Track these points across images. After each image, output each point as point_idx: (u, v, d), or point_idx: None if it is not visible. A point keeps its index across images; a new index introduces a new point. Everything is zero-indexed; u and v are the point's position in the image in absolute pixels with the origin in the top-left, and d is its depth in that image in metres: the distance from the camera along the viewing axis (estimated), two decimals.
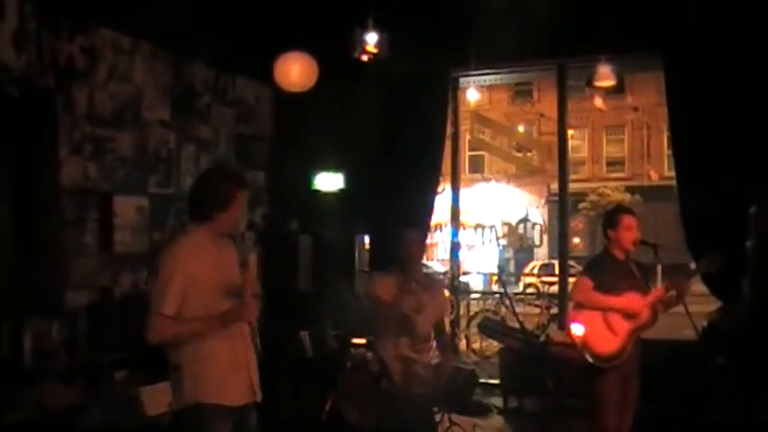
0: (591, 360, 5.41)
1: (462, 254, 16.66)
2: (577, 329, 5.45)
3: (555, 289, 11.66)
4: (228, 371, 4.00)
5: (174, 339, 3.94)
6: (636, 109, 35.23)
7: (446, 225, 12.62)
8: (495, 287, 24.41)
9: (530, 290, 20.98)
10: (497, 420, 8.40)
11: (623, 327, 5.42)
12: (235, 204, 4.06)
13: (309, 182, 9.16)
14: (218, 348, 3.95)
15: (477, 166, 36.25)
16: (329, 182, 9.27)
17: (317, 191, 9.24)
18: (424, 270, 5.67)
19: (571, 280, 8.92)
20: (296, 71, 7.49)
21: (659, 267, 6.18)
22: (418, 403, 5.39)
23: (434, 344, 5.81)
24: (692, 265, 6.06)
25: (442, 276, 13.34)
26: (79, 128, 6.53)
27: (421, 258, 5.69)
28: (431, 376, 5.52)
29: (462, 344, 13.22)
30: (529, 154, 33.72)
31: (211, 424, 3.95)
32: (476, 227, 29.71)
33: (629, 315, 5.44)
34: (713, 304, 7.73)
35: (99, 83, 6.75)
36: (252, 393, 4.12)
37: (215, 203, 4.02)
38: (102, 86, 6.80)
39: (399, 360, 5.36)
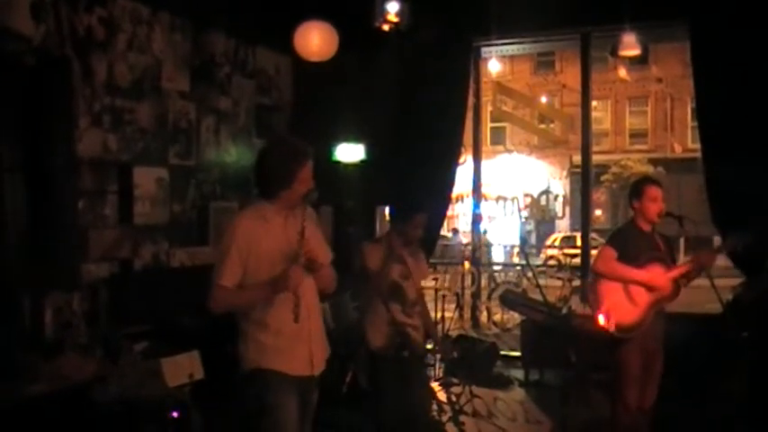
0: (611, 330, 5.40)
1: (484, 225, 16.57)
2: (602, 319, 5.44)
3: (577, 261, 11.56)
4: (290, 341, 4.04)
5: (233, 309, 4.05)
6: (660, 80, 34.94)
7: (467, 196, 12.58)
8: (515, 259, 24.37)
9: (551, 262, 20.85)
10: (518, 393, 8.38)
11: (644, 298, 5.41)
12: (298, 180, 4.01)
13: (330, 153, 9.11)
14: (281, 319, 3.99)
15: (498, 138, 36.08)
16: (350, 153, 9.23)
17: (338, 162, 9.20)
18: (444, 241, 5.84)
19: (593, 252, 8.89)
20: (316, 40, 7.41)
21: (682, 240, 6.11)
22: (409, 365, 5.57)
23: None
24: (716, 240, 6.00)
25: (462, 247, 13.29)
26: (98, 99, 6.50)
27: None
28: (421, 339, 5.74)
29: (483, 316, 13.21)
30: (551, 125, 33.56)
31: (272, 389, 4.01)
32: (497, 198, 29.61)
33: (650, 287, 5.42)
34: (738, 278, 7.66)
35: (118, 54, 6.71)
36: (311, 366, 4.14)
37: (278, 182, 4.01)
38: (121, 57, 6.75)
39: (391, 324, 5.49)
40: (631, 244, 5.48)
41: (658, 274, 5.41)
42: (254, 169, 4.15)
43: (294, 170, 3.99)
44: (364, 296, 5.76)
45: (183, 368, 5.96)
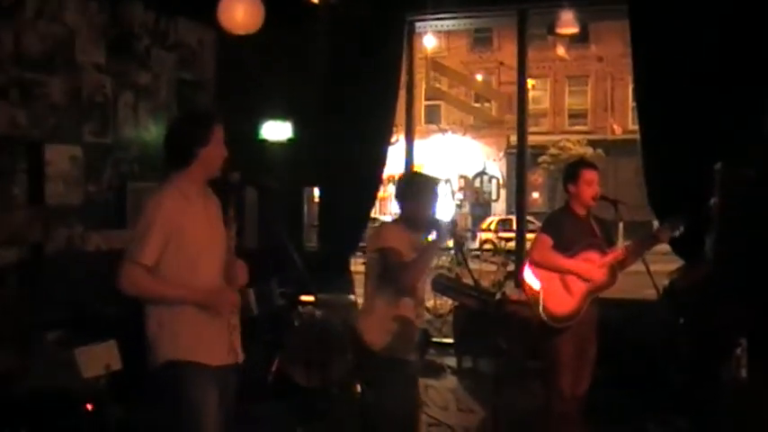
0: (545, 320, 5.34)
1: None
2: (534, 282, 5.37)
3: (512, 245, 11.50)
4: (206, 330, 3.82)
5: (145, 294, 3.75)
6: (600, 59, 35.36)
7: None
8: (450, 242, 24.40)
9: (486, 246, 20.82)
10: (451, 381, 8.30)
11: (580, 287, 5.36)
12: (215, 138, 3.85)
13: (256, 131, 8.93)
14: (197, 308, 3.79)
15: (433, 117, 36.05)
16: (277, 131, 9.05)
17: (264, 140, 9.02)
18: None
19: (529, 236, 8.79)
20: (241, 12, 7.16)
21: (621, 224, 6.05)
22: (406, 370, 4.85)
23: None
24: (656, 225, 5.96)
25: None
26: (5, 71, 6.23)
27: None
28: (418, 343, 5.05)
29: None
30: (487, 104, 33.66)
31: (188, 381, 3.78)
32: None
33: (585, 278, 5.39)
34: (675, 263, 7.63)
35: (26, 22, 6.41)
36: (232, 354, 3.93)
37: (195, 141, 3.82)
38: (30, 26, 6.46)
39: (396, 320, 4.70)
40: (567, 230, 5.41)
41: (593, 264, 5.36)
42: (166, 140, 3.95)
43: (209, 127, 3.86)
44: (372, 286, 4.83)
45: (99, 359, 5.72)
